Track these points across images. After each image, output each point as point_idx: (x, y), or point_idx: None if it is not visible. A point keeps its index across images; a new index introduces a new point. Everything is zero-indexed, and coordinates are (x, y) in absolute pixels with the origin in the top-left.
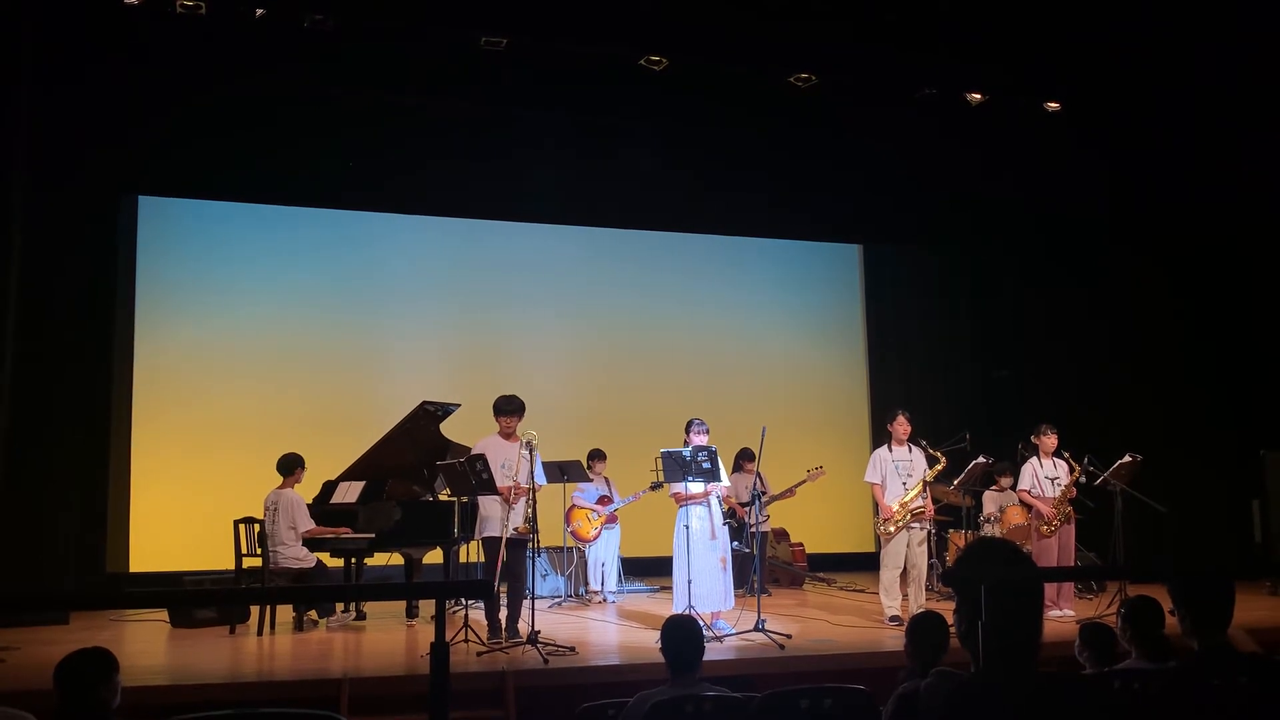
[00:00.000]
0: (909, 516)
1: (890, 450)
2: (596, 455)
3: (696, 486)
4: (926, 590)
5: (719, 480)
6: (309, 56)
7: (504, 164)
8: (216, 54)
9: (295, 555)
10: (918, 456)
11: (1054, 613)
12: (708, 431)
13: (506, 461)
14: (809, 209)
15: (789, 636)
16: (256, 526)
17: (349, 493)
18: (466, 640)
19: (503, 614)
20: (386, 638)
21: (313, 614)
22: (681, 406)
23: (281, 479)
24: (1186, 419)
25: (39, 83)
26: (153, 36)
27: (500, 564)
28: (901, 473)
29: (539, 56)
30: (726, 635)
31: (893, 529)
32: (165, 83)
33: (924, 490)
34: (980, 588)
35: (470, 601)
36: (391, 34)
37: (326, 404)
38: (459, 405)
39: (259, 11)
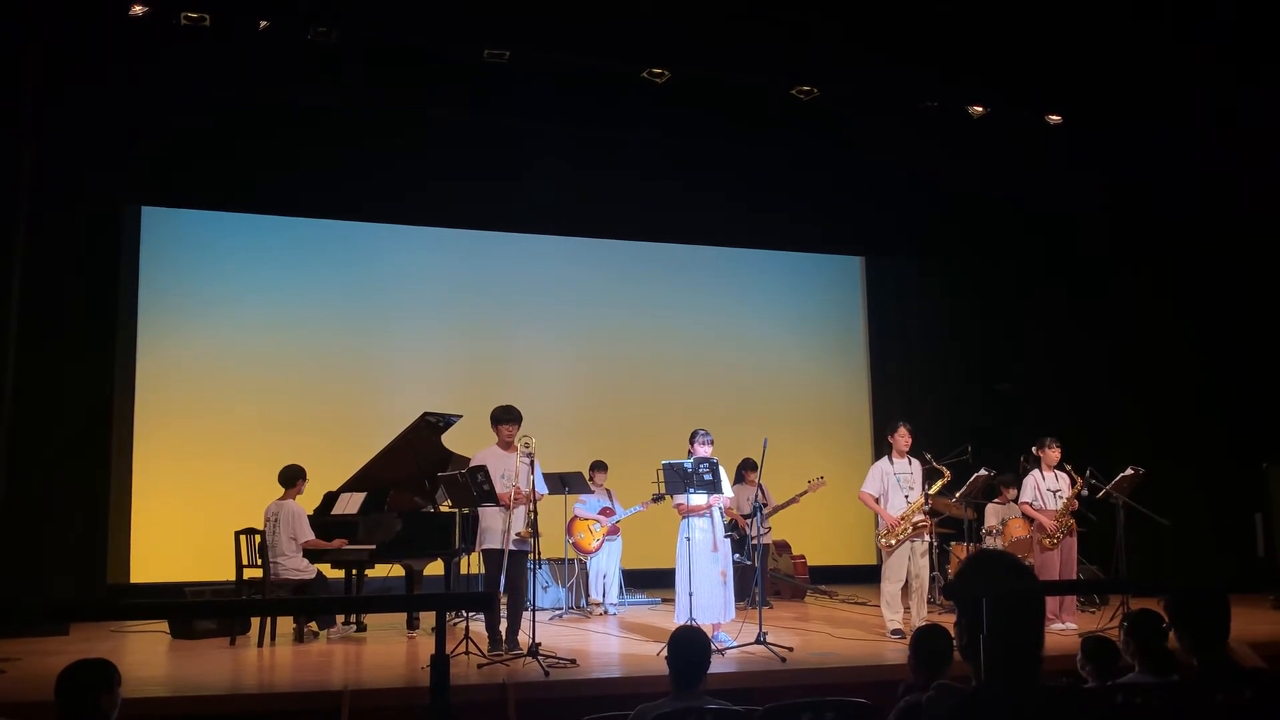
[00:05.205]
0: (911, 529)
1: (891, 462)
2: (598, 467)
3: (699, 498)
4: (928, 603)
5: (720, 492)
6: (312, 69)
7: (506, 176)
8: (220, 66)
9: (296, 566)
10: (918, 469)
11: (1056, 626)
12: (712, 443)
13: (506, 472)
14: (811, 221)
15: (790, 649)
16: (257, 538)
17: (350, 504)
18: (467, 652)
19: (503, 626)
20: (387, 649)
21: (313, 625)
22: (683, 418)
23: (283, 490)
24: (1187, 432)
25: (44, 92)
26: (157, 48)
27: (502, 576)
28: (903, 485)
29: (541, 69)
30: (728, 647)
31: (894, 542)
32: (169, 94)
33: (926, 503)
34: (982, 601)
35: (471, 613)
36: (394, 46)
37: (328, 415)
38: (460, 416)
39: (262, 24)
